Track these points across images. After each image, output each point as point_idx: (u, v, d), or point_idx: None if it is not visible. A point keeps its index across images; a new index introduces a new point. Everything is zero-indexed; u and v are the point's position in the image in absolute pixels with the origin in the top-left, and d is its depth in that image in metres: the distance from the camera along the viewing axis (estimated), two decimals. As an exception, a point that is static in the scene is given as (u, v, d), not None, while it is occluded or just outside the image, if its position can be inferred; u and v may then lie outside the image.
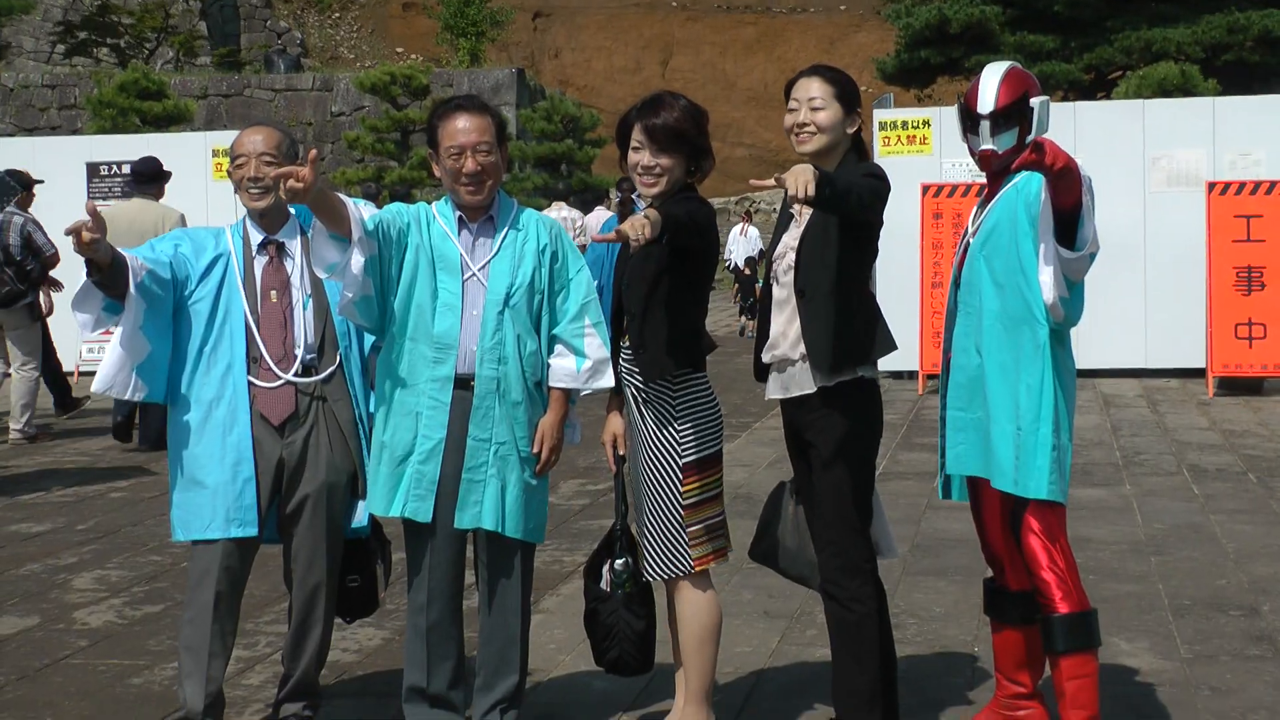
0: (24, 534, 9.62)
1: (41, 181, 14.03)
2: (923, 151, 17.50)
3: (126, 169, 18.61)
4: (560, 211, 20.13)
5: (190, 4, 43.57)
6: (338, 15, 56.32)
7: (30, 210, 13.54)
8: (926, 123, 17.59)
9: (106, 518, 10.11)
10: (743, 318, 28.03)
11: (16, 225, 13.28)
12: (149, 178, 13.49)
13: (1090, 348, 16.53)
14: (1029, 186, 5.08)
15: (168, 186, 14.20)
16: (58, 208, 13.93)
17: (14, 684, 6.46)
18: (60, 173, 18.63)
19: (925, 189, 16.70)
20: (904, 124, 17.70)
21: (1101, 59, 35.30)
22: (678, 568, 5.28)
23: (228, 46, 42.15)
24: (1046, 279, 5.00)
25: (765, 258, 5.58)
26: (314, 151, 4.91)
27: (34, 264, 13.15)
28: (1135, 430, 13.48)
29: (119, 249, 5.22)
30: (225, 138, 18.75)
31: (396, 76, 30.35)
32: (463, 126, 5.27)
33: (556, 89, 42.12)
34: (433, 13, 49.13)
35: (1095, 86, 35.72)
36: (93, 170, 19.06)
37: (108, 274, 5.14)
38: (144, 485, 11.31)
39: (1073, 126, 17.03)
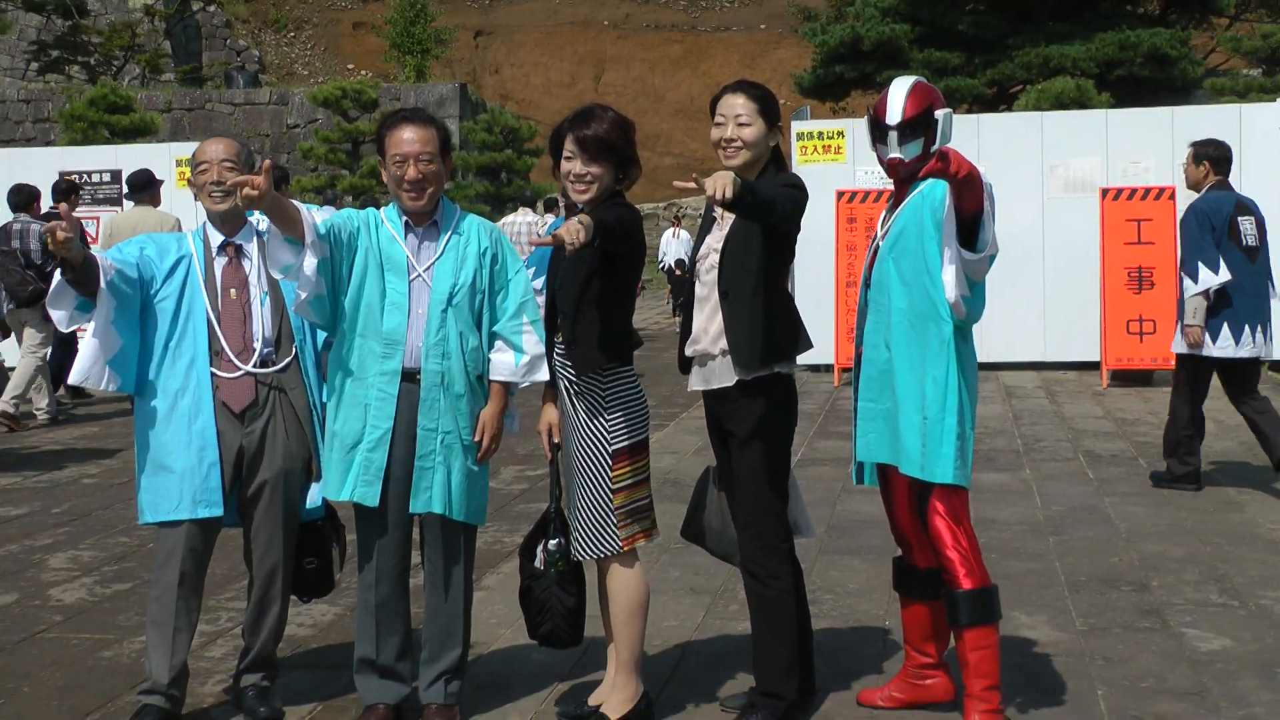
0: (2, 517, 9.53)
1: (81, 186, 14.07)
2: (837, 160, 17.56)
3: (96, 178, 18.52)
4: (525, 216, 20.10)
5: (155, 24, 43.20)
6: (293, 34, 55.98)
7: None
8: (841, 133, 17.65)
9: (79, 502, 10.03)
10: (678, 315, 28.08)
11: (34, 232, 13.47)
12: (141, 186, 13.56)
13: (993, 342, 16.69)
14: (934, 193, 5.12)
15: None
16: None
17: (-9, 657, 6.42)
18: (34, 182, 18.44)
19: (840, 195, 16.75)
20: (820, 134, 17.75)
21: (1003, 74, 35.44)
22: (606, 547, 5.29)
23: (190, 64, 41.88)
24: (949, 278, 5.03)
25: (690, 259, 5.59)
26: (268, 161, 4.93)
27: (52, 266, 13.06)
28: (1035, 419, 13.57)
29: (99, 251, 5.22)
30: (188, 148, 18.64)
31: (347, 91, 30.20)
32: (407, 137, 5.29)
33: (497, 102, 42.07)
34: (381, 32, 48.95)
35: (997, 100, 35.90)
36: (63, 178, 18.83)
37: (80, 273, 5.14)
38: (113, 472, 11.22)
39: (976, 137, 17.12)
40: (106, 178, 18.54)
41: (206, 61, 44.46)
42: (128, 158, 19.06)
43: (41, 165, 19.31)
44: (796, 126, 17.90)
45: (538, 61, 56.51)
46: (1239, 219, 9.57)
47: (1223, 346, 9.52)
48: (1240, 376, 9.75)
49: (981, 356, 16.37)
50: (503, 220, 19.98)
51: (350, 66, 52.04)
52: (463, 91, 33.81)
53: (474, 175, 31.18)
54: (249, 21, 54.07)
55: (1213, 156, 9.74)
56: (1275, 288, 9.85)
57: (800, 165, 17.40)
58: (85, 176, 18.69)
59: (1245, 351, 9.54)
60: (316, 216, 5.14)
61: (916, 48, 35.62)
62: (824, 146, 17.64)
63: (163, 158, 18.80)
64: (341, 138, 29.92)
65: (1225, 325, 9.49)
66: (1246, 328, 9.50)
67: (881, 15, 36.00)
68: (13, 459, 11.97)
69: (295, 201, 5.11)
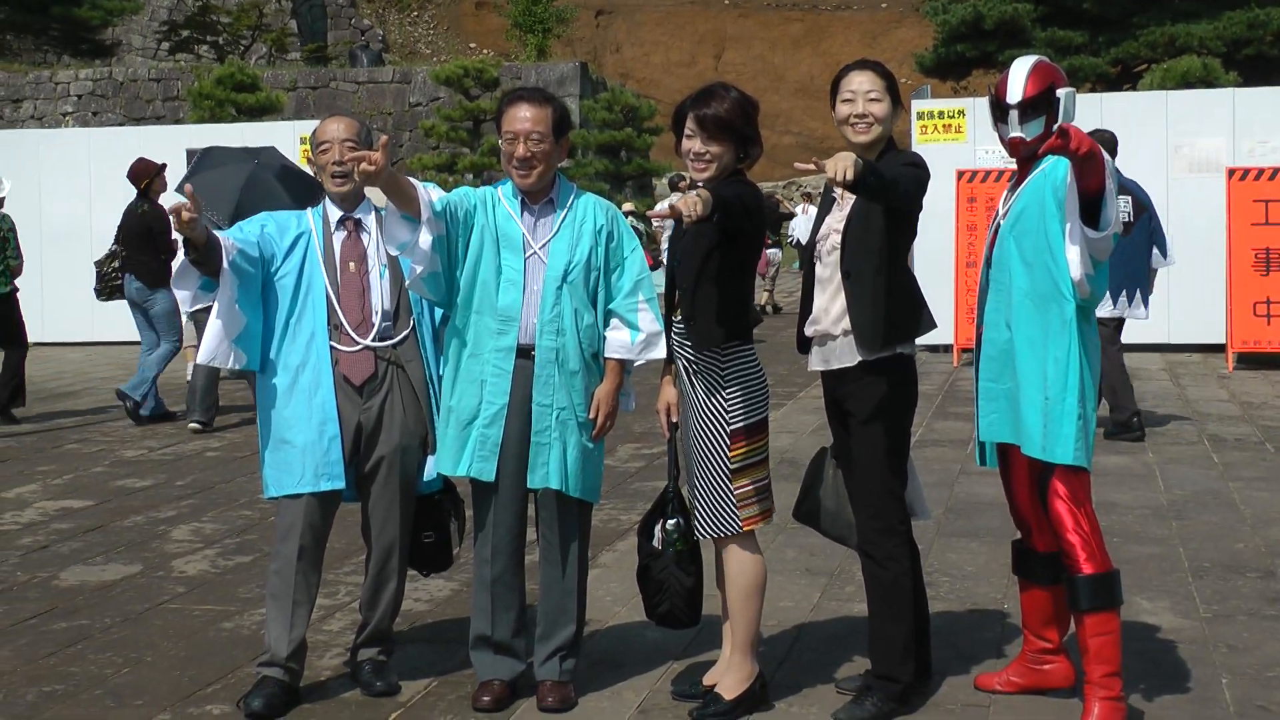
0: (129, 489, 9.67)
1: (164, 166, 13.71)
2: (957, 139, 17.33)
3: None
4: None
5: (282, 4, 43.71)
6: (416, 13, 56.35)
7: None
8: (961, 112, 17.42)
9: (202, 475, 10.16)
10: None
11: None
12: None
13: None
14: (1056, 171, 5.02)
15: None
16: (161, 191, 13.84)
17: (118, 625, 6.51)
18: (162, 159, 18.70)
19: (960, 174, 16.54)
20: (940, 114, 17.54)
21: (1127, 53, 34.93)
22: (726, 528, 5.24)
23: (316, 43, 42.25)
24: (1073, 257, 4.94)
25: (809, 239, 5.53)
26: (385, 137, 4.94)
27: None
28: (1158, 401, 13.31)
29: (213, 230, 5.25)
30: (311, 126, 18.76)
31: (469, 70, 30.38)
32: (520, 115, 5.28)
33: (617, 81, 42.06)
34: (503, 11, 49.08)
35: (1121, 79, 35.35)
36: (191, 156, 19.09)
37: (203, 253, 5.18)
38: (235, 446, 11.34)
39: (1099, 116, 16.81)
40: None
41: (331, 40, 44.87)
42: (253, 135, 19.27)
43: (170, 142, 19.58)
44: (917, 105, 17.70)
45: (658, 40, 56.45)
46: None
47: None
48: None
49: (1104, 338, 16.03)
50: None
51: (472, 45, 52.29)
52: (583, 70, 33.85)
53: (594, 153, 31.24)
54: (373, 1, 54.52)
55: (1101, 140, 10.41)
56: (1165, 256, 11.44)
57: (920, 144, 17.22)
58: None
59: (1106, 313, 10.96)
60: (433, 194, 5.14)
61: (1039, 26, 35.17)
62: (944, 125, 17.43)
63: (287, 135, 19.01)
64: (463, 116, 30.09)
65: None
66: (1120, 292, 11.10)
67: (1004, -7, 35.55)
68: (136, 432, 12.14)
69: (412, 179, 5.10)
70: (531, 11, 45.85)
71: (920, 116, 17.56)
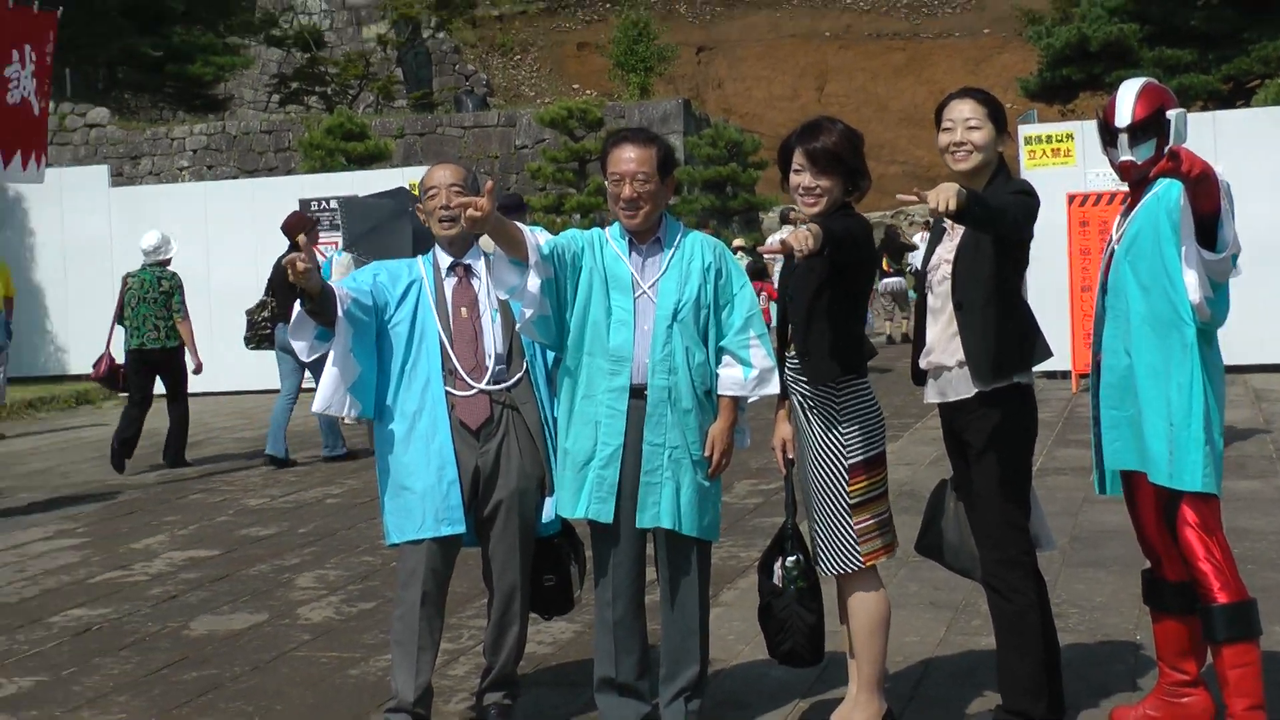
0: (253, 538, 9.78)
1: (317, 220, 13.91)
2: (1067, 163, 17.12)
3: (333, 204, 18.97)
4: None
5: (388, 52, 44.22)
6: (519, 57, 56.78)
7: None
8: (1069, 136, 17.22)
9: (324, 522, 10.25)
10: None
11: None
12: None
13: (1239, 344, 16.02)
14: (1169, 194, 4.93)
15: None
16: (277, 242, 14.01)
17: (247, 674, 6.56)
18: (276, 210, 19.01)
19: (1071, 198, 16.33)
20: (1048, 138, 17.35)
21: (1239, 69, 34.36)
22: (848, 564, 5.19)
23: (421, 90, 42.73)
24: (1191, 281, 4.84)
25: (920, 269, 5.48)
26: (490, 182, 4.95)
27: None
28: (1286, 422, 13.04)
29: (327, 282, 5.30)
30: (420, 172, 18.99)
31: (573, 111, 30.53)
32: (625, 156, 5.28)
33: (720, 117, 42.10)
34: (605, 51, 49.34)
35: (1233, 96, 34.77)
36: (304, 206, 19.36)
37: (318, 303, 5.22)
38: (355, 492, 11.43)
39: (1212, 135, 16.57)
40: (346, 203, 18.95)
41: (437, 87, 45.36)
42: (364, 183, 19.50)
43: (283, 192, 19.88)
44: (1024, 131, 17.54)
45: (760, 75, 56.41)
46: None
47: None
48: None
49: (1227, 359, 15.74)
50: None
51: (575, 86, 52.57)
52: (686, 107, 33.91)
53: (699, 190, 31.26)
54: (476, 46, 55.00)
55: None
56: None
57: (1028, 169, 17.04)
58: (324, 203, 19.14)
59: None
60: (540, 238, 5.15)
61: (1146, 46, 34.70)
62: (1053, 150, 17.24)
63: (395, 181, 19.19)
64: (568, 157, 30.25)
65: None
66: None
67: (1109, 15, 35.13)
68: (258, 481, 12.28)
69: (519, 223, 5.12)
70: (633, 51, 46.04)
71: (1028, 142, 17.39)
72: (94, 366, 13.41)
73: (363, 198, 14.19)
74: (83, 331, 19.51)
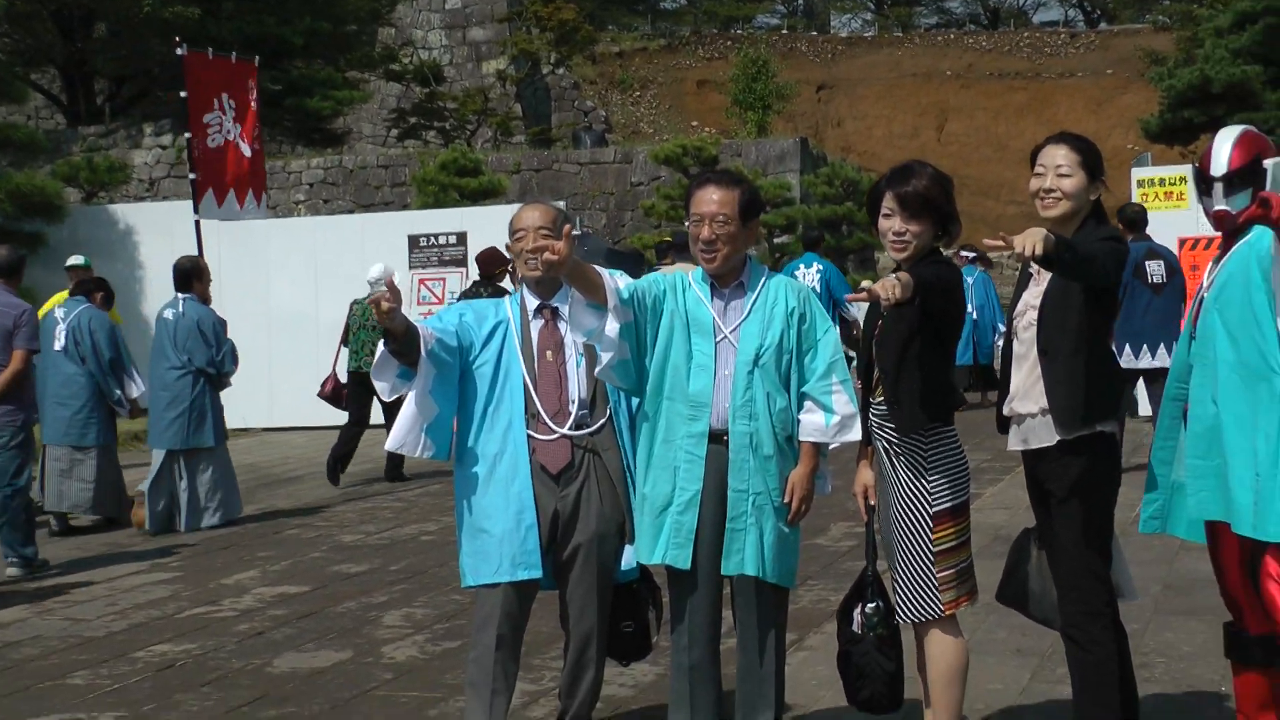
0: (344, 574, 9.87)
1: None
2: (1180, 206, 16.87)
3: (441, 239, 19.17)
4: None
5: (507, 88, 44.64)
6: (639, 93, 57.08)
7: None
8: (1183, 179, 16.96)
9: (416, 559, 10.32)
10: None
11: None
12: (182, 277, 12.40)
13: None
14: (1261, 241, 4.86)
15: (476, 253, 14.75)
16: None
17: (326, 713, 6.63)
18: (385, 245, 19.25)
19: (1182, 243, 16.10)
20: (1161, 180, 17.13)
21: (1361, 111, 33.75)
22: (929, 612, 5.16)
23: (540, 125, 43.07)
24: (1285, 330, 4.76)
25: (1006, 315, 5.45)
26: (569, 227, 4.99)
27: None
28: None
29: (413, 320, 5.35)
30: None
31: (688, 148, 30.58)
32: (708, 197, 5.29)
33: (838, 156, 41.99)
34: (724, 89, 49.46)
35: (1361, 139, 34.17)
36: (413, 242, 19.56)
37: (402, 343, 5.27)
38: (451, 529, 11.39)
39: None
40: (452, 239, 19.15)
41: (555, 123, 45.71)
42: (472, 220, 19.68)
43: (391, 228, 20.09)
44: (1137, 174, 17.35)
45: (880, 114, 56.28)
46: (1146, 263, 12.48)
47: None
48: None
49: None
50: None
51: (694, 124, 52.73)
52: (804, 145, 33.91)
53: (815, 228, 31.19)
54: (596, 83, 55.40)
55: (1128, 218, 12.82)
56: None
57: (1144, 213, 16.86)
58: (431, 239, 19.34)
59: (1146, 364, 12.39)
60: (620, 281, 5.16)
61: (1269, 89, 34.15)
62: (1165, 193, 17.00)
63: (504, 219, 19.36)
64: (682, 194, 30.26)
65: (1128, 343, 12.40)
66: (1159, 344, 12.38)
67: (1232, 57, 34.65)
68: (354, 517, 12.40)
69: (598, 267, 5.14)
70: (752, 89, 46.07)
71: (1140, 184, 17.18)
72: (321, 386, 14.41)
73: (592, 236, 14.58)
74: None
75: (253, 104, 13.54)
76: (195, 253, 13.28)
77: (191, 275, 12.17)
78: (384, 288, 5.08)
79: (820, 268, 18.18)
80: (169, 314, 12.10)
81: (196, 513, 11.90)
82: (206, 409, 12.02)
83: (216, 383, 12.19)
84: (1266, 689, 5.17)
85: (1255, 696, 5.22)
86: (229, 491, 12.23)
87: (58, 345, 11.86)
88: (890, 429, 5.20)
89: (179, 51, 14.21)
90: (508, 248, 5.69)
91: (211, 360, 12.01)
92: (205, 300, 12.24)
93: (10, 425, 9.83)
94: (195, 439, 11.92)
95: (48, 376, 11.76)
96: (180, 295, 12.14)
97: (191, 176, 12.98)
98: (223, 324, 12.37)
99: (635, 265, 13.00)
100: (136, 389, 12.28)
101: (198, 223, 13.96)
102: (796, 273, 17.53)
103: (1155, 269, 12.60)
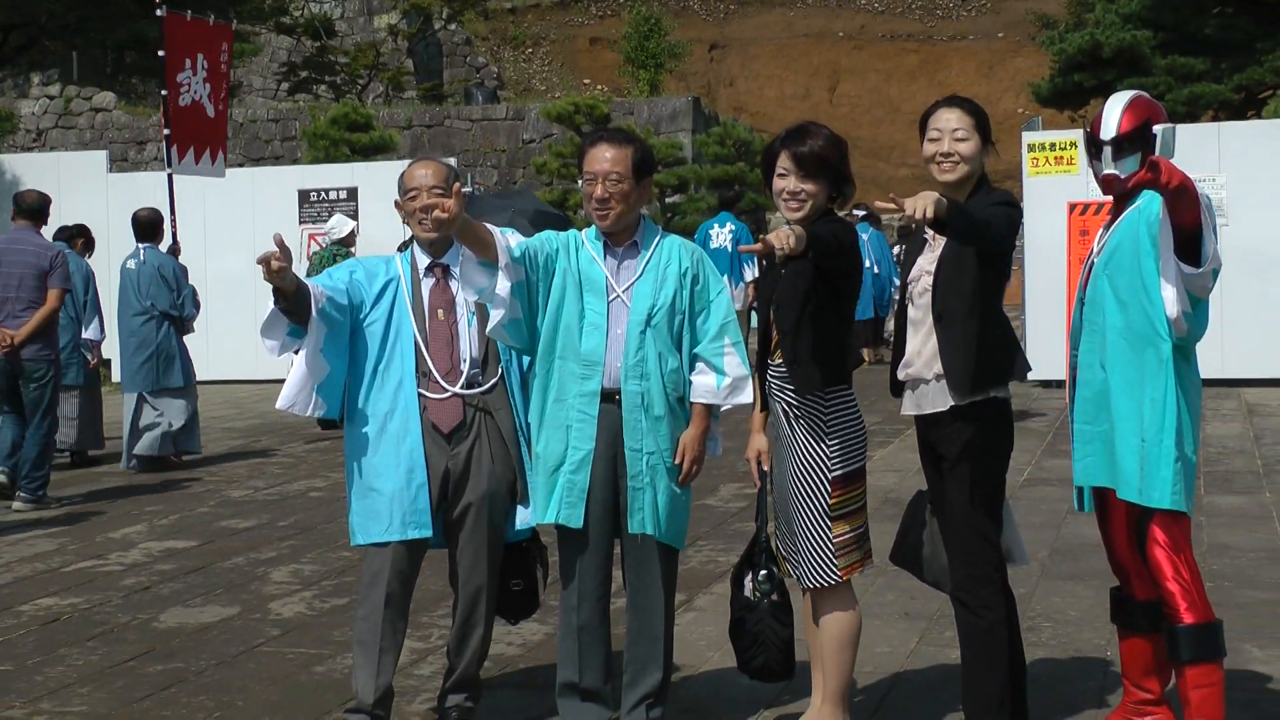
0: (232, 530, 9.76)
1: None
2: (1070, 171, 17.02)
3: (332, 195, 18.95)
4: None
5: (399, 43, 44.15)
6: (531, 50, 56.64)
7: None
8: (1073, 144, 17.10)
9: (304, 515, 10.23)
10: None
11: None
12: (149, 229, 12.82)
13: (1235, 357, 16.01)
14: (1150, 207, 4.90)
15: (369, 207, 14.69)
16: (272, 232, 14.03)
17: (213, 669, 6.55)
18: (275, 199, 19.04)
19: (1072, 207, 16.26)
20: (1051, 145, 17.26)
21: (1251, 79, 34.22)
22: (825, 578, 5.16)
23: (432, 81, 42.68)
24: (1170, 295, 4.82)
25: (900, 280, 5.45)
26: (458, 185, 4.93)
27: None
28: (1277, 438, 12.97)
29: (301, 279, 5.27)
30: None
31: (580, 106, 30.43)
32: (601, 156, 5.25)
33: (731, 115, 42.00)
34: (616, 47, 49.23)
35: (1245, 106, 34.63)
36: (303, 197, 19.33)
37: (292, 301, 5.19)
38: (340, 485, 11.37)
39: (1217, 146, 16.52)
40: (343, 195, 18.94)
41: (447, 79, 45.32)
42: (364, 175, 19.48)
43: (281, 184, 19.85)
44: (1027, 138, 17.48)
45: (772, 74, 56.28)
46: None
47: None
48: None
49: (1224, 372, 15.71)
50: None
51: (586, 81, 52.45)
52: (696, 105, 33.87)
53: (706, 188, 31.21)
54: (488, 39, 54.90)
55: None
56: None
57: (1031, 176, 17.01)
58: (322, 194, 19.13)
59: None
60: (511, 240, 5.11)
61: (1159, 54, 34.57)
62: (1055, 158, 17.16)
63: (395, 175, 19.16)
64: (574, 152, 30.06)
65: None
66: None
67: (1122, 21, 35.00)
68: (243, 472, 12.27)
69: (488, 225, 5.08)
70: (644, 47, 45.88)
71: (1031, 149, 17.31)
72: None
73: (486, 196, 14.57)
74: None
75: (223, 66, 14.29)
76: (153, 205, 13.50)
77: (156, 225, 12.73)
78: (274, 250, 5.02)
79: (733, 227, 18.33)
80: (131, 264, 12.64)
81: (155, 442, 12.41)
82: (174, 352, 12.60)
83: (180, 326, 12.67)
84: (1151, 654, 5.24)
85: (1140, 662, 5.30)
86: (193, 429, 12.84)
87: None
88: (790, 391, 5.19)
89: (159, 12, 14.55)
90: (399, 205, 5.60)
91: (174, 304, 12.52)
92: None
93: (44, 361, 10.65)
94: (165, 380, 12.49)
95: None
96: (140, 245, 12.64)
97: (166, 132, 13.59)
98: (184, 270, 12.86)
99: (562, 227, 12.92)
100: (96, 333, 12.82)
101: (170, 176, 14.35)
102: (711, 231, 17.57)
103: None
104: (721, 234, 17.94)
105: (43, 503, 10.67)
